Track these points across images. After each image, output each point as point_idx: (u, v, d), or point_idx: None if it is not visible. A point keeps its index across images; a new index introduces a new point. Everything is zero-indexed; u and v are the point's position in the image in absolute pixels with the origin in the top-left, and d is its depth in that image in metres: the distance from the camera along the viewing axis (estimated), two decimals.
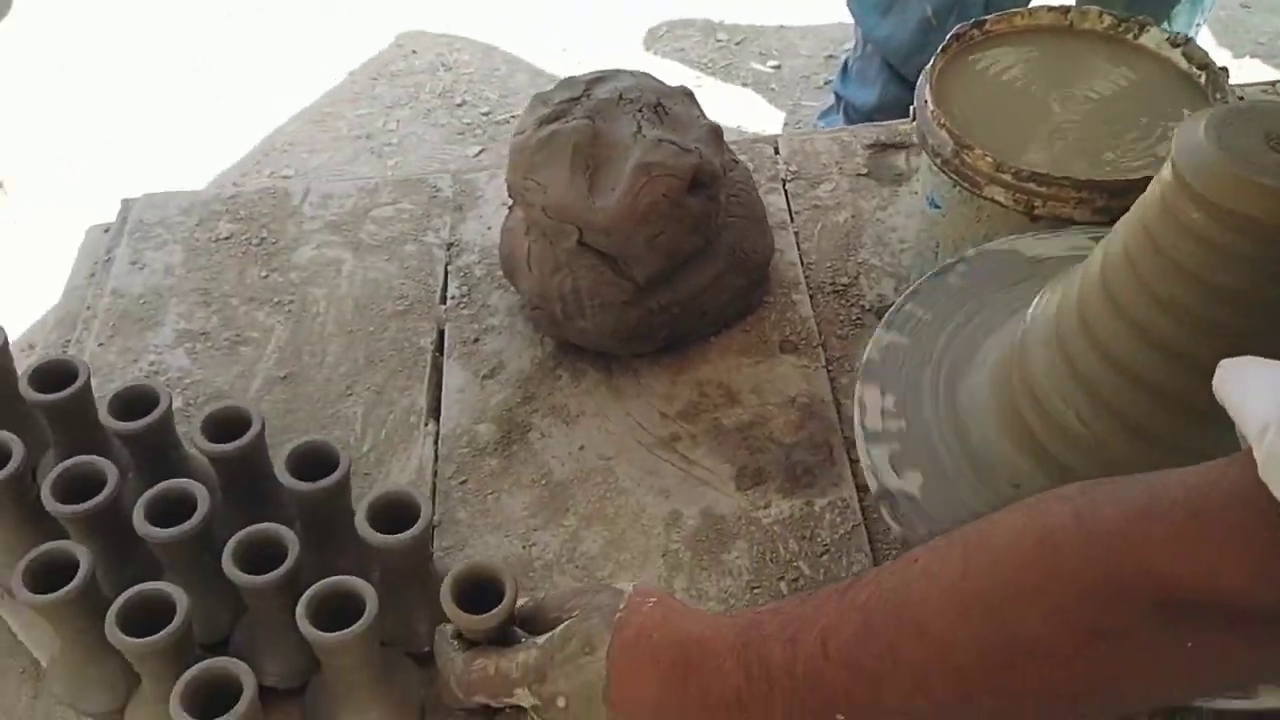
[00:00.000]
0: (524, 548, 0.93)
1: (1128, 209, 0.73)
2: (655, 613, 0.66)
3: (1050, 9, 1.07)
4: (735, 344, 1.07)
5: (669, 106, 1.00)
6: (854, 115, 1.95)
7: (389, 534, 0.76)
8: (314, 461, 0.80)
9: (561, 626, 0.69)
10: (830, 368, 1.05)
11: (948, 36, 1.04)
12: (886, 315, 0.89)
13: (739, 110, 2.56)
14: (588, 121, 0.96)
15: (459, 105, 2.66)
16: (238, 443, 0.80)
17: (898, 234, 1.17)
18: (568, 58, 2.72)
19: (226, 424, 0.83)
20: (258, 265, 1.18)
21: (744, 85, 2.69)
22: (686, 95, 1.03)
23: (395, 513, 0.77)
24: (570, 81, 1.01)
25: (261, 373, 1.07)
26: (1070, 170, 0.92)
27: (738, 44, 2.79)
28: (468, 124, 2.61)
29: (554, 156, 0.96)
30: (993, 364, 0.81)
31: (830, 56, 2.74)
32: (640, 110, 0.97)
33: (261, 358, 1.09)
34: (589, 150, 0.96)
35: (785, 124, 2.55)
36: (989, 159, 0.91)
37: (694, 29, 2.83)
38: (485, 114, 2.64)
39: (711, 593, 0.89)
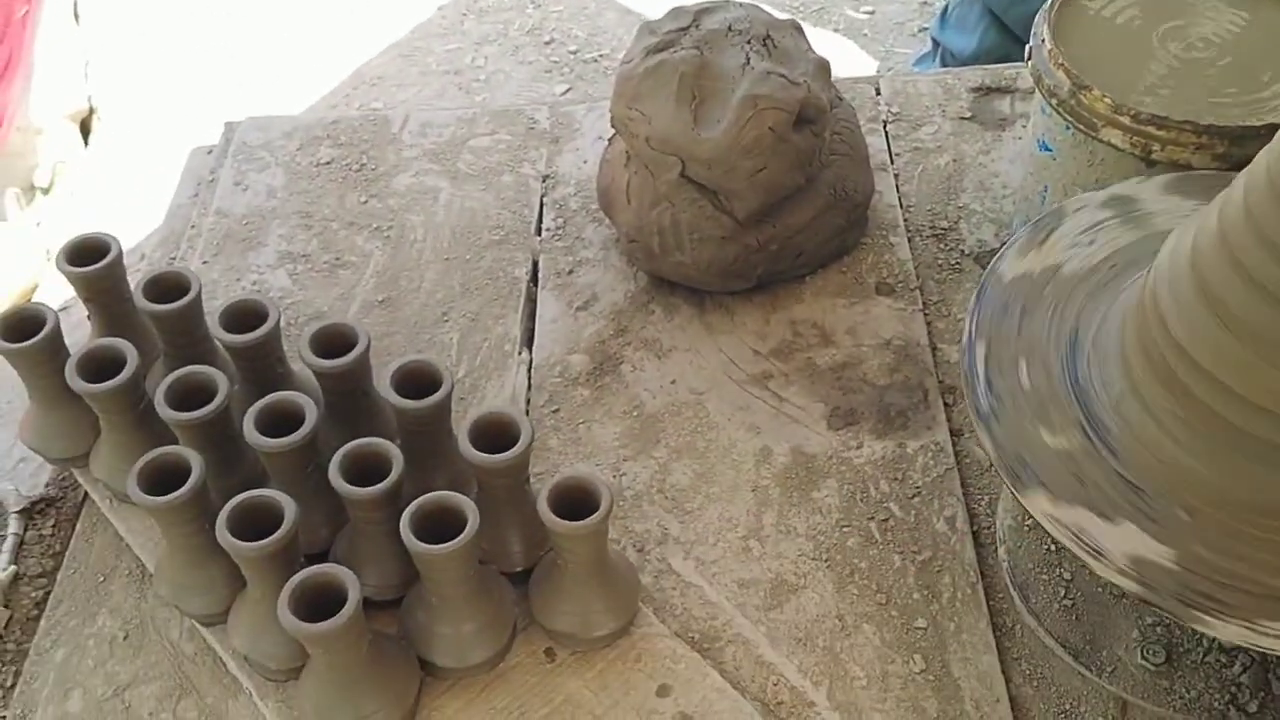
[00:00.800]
0: (614, 477, 0.94)
1: (1249, 157, 0.70)
2: None
3: None
4: (830, 284, 1.06)
5: (778, 39, 0.98)
6: (952, 62, 1.91)
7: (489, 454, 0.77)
8: (416, 381, 0.81)
9: None
10: (927, 312, 1.04)
11: None
12: None
13: (831, 56, 2.49)
14: (695, 52, 0.95)
15: (547, 43, 2.65)
16: (345, 358, 0.82)
17: (1000, 179, 1.15)
18: None
19: (330, 341, 0.84)
20: (357, 191, 1.19)
21: (836, 31, 2.64)
22: (795, 28, 1.01)
23: (495, 433, 0.78)
24: (678, 11, 1.00)
25: (360, 296, 1.09)
26: (1184, 115, 0.89)
27: None
28: (555, 61, 2.60)
29: (660, 86, 0.95)
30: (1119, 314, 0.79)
31: (924, 3, 2.68)
32: (749, 42, 0.96)
33: (360, 281, 1.10)
34: (695, 81, 0.95)
35: (878, 71, 2.50)
36: (1107, 100, 0.89)
37: None
38: (573, 52, 2.62)
39: (800, 529, 0.90)
